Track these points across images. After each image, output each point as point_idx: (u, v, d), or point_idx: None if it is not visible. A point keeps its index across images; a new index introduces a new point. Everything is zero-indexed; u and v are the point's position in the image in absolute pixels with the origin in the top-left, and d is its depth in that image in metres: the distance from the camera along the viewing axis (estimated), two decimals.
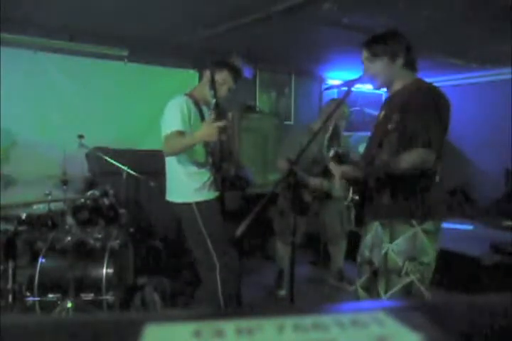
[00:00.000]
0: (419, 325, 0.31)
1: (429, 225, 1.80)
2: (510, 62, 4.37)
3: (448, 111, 1.78)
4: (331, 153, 1.82)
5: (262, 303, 3.18)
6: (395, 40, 1.88)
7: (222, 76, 2.39)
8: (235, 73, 2.46)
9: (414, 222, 1.79)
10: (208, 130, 2.17)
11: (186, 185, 2.40)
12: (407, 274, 1.79)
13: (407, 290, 1.79)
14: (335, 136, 1.92)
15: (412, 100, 1.77)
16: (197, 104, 2.42)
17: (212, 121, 2.19)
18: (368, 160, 1.89)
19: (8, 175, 2.86)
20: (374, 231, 1.95)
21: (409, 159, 1.70)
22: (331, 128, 1.95)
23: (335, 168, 1.83)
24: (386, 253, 1.83)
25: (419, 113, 1.72)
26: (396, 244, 1.81)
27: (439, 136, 1.73)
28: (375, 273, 1.94)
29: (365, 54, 1.92)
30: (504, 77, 5.24)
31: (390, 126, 1.78)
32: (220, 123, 2.15)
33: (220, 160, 2.41)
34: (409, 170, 1.71)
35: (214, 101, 2.27)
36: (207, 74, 2.39)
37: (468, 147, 5.59)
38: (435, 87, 1.84)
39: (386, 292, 1.83)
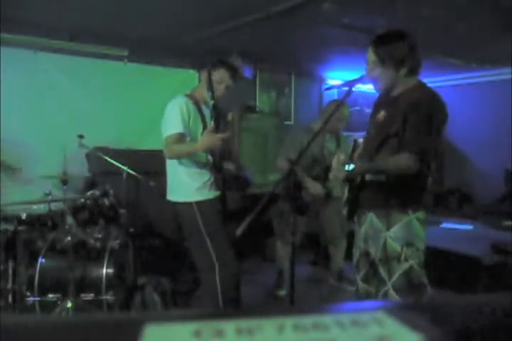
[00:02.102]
0: (419, 325, 0.31)
1: (421, 214, 1.89)
2: (510, 62, 4.37)
3: (445, 120, 1.84)
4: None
5: (262, 303, 3.18)
6: (404, 46, 1.82)
7: (219, 74, 2.39)
8: (232, 71, 2.46)
9: (409, 211, 1.87)
10: (210, 140, 2.20)
11: (187, 184, 2.40)
12: (406, 259, 1.86)
13: (408, 276, 1.86)
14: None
15: (414, 108, 1.79)
16: (197, 104, 2.42)
17: (213, 130, 2.21)
18: (366, 159, 1.92)
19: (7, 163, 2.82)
20: (368, 223, 1.98)
21: (396, 162, 1.80)
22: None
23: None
24: (385, 241, 1.89)
25: (418, 123, 1.78)
26: (393, 231, 1.87)
27: (431, 146, 1.84)
28: (372, 264, 1.98)
29: (371, 56, 1.87)
30: (504, 77, 5.23)
31: (392, 130, 1.82)
32: (223, 135, 2.19)
33: (220, 160, 2.41)
34: (393, 171, 1.83)
35: (212, 102, 2.28)
36: (204, 74, 2.39)
37: (468, 147, 5.59)
38: (436, 95, 1.85)
39: (390, 279, 1.88)
